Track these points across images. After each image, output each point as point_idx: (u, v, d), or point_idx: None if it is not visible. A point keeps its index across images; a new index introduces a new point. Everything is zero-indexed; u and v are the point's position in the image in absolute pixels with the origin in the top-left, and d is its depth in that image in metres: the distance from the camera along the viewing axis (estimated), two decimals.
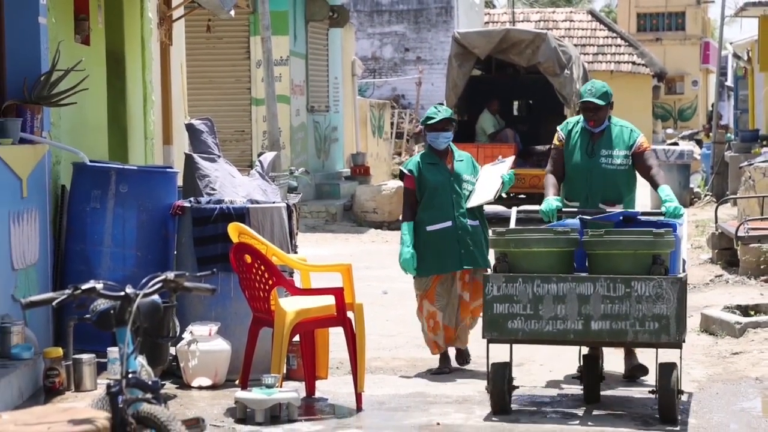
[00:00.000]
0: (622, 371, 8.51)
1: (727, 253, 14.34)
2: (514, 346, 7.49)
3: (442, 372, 8.72)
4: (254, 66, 21.06)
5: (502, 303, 7.27)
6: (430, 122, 8.73)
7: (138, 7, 11.51)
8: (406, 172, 8.76)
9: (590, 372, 7.73)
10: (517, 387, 7.65)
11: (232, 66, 21.24)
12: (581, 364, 8.00)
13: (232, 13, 14.04)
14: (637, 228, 7.50)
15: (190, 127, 9.44)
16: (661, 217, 7.91)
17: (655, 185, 8.23)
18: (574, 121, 8.46)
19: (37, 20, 8.36)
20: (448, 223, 8.64)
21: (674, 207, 7.97)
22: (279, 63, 20.75)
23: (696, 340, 9.84)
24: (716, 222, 14.93)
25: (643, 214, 7.95)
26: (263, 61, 19.18)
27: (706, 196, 23.26)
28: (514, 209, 8.42)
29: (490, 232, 7.71)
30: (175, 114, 13.59)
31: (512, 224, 8.12)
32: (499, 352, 7.54)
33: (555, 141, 8.46)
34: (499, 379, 7.37)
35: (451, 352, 8.95)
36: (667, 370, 7.20)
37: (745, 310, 10.77)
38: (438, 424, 7.31)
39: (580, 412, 7.54)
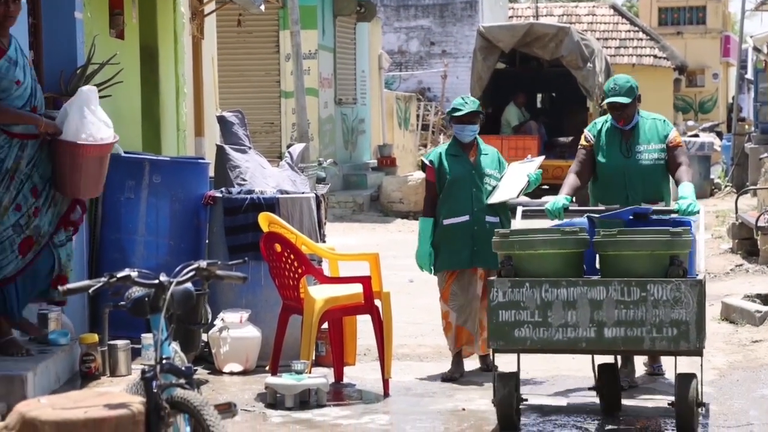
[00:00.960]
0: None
1: (747, 242, 14.28)
2: (521, 354, 6.90)
3: (451, 378, 8.08)
4: (283, 59, 21.06)
5: (508, 310, 6.62)
6: (456, 114, 8.22)
7: (171, 2, 11.52)
8: (427, 163, 8.32)
9: (608, 382, 7.16)
10: (526, 399, 7.02)
11: (262, 59, 21.25)
12: (596, 375, 7.25)
13: (263, 7, 14.04)
14: (651, 227, 6.91)
15: (221, 119, 9.46)
16: (675, 215, 7.32)
17: (678, 182, 7.67)
18: (602, 120, 7.90)
19: (74, 15, 8.39)
20: (465, 218, 8.09)
21: (688, 204, 7.32)
22: (308, 56, 20.74)
23: (717, 328, 9.80)
24: (736, 212, 14.86)
25: (655, 211, 7.33)
26: (292, 54, 19.15)
27: (726, 187, 23.14)
28: (520, 207, 7.77)
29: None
30: (207, 106, 13.61)
31: (518, 220, 7.63)
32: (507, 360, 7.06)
33: (582, 141, 7.88)
34: (506, 392, 6.74)
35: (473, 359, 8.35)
36: (686, 381, 6.60)
37: (765, 299, 10.71)
38: (463, 409, 7.30)
39: (593, 426, 6.97)
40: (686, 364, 6.93)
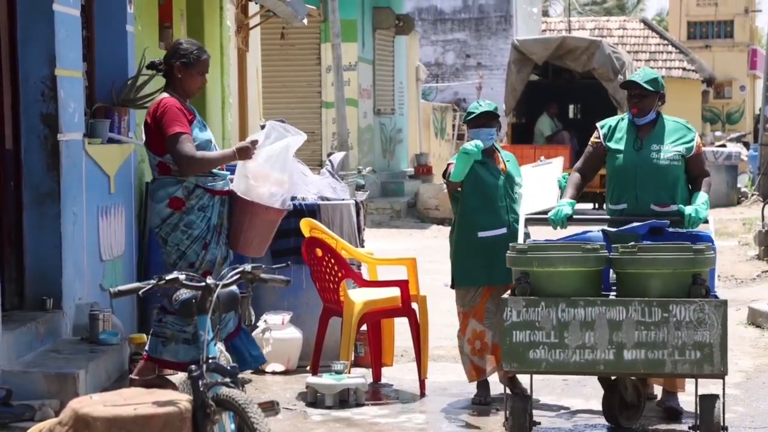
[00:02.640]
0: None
1: None
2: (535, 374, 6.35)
3: (483, 402, 7.37)
4: (324, 71, 21.10)
5: (522, 330, 6.10)
6: (470, 117, 7.39)
7: (217, 16, 11.58)
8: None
9: (613, 400, 6.73)
10: (539, 423, 6.55)
11: (304, 71, 21.29)
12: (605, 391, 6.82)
13: (305, 21, 14.08)
14: (669, 241, 6.35)
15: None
16: (692, 228, 6.69)
17: (695, 191, 6.95)
18: (616, 118, 7.18)
19: (125, 28, 8.44)
20: (503, 230, 7.20)
21: (694, 209, 6.70)
22: (348, 68, 20.77)
23: (743, 332, 9.73)
24: (763, 220, 14.76)
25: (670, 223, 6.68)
26: (333, 66, 19.22)
27: (753, 195, 22.97)
28: (523, 216, 7.11)
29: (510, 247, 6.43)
30: (251, 116, 13.65)
31: (521, 233, 6.99)
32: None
33: (593, 138, 7.15)
34: (519, 415, 6.25)
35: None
36: (709, 404, 6.12)
37: None
38: (497, 410, 7.27)
39: None
40: (703, 383, 6.48)
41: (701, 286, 6.05)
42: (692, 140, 6.99)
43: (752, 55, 46.97)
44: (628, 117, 7.08)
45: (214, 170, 6.54)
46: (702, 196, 6.85)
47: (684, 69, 39.34)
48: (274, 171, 6.71)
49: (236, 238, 6.72)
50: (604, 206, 7.32)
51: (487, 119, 7.36)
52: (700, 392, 6.27)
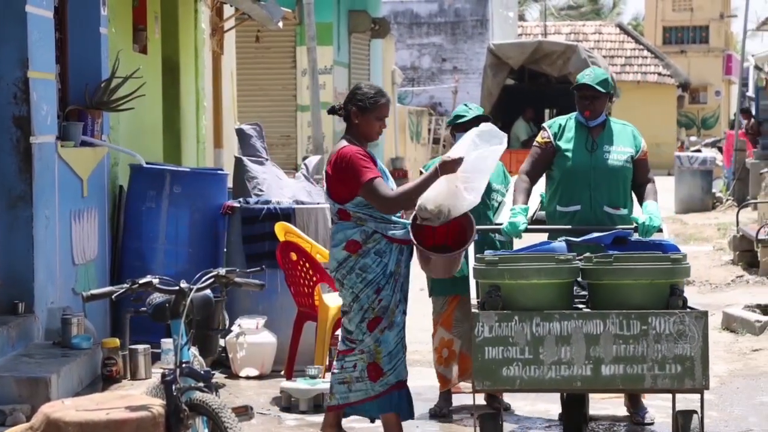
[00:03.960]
0: (606, 413, 7.21)
1: (747, 254, 14.26)
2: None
3: (439, 414, 7.21)
4: (300, 74, 21.09)
5: (495, 346, 5.80)
6: (460, 121, 7.22)
7: (192, 19, 11.56)
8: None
9: (573, 415, 6.61)
10: None
11: (279, 74, 21.28)
12: (563, 406, 6.74)
13: (280, 24, 14.07)
14: (638, 252, 6.13)
15: (240, 132, 9.48)
16: (661, 236, 6.59)
17: (643, 199, 6.80)
18: (564, 118, 6.99)
19: (99, 31, 8.42)
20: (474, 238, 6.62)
21: (648, 218, 6.53)
22: (323, 72, 20.78)
23: (718, 338, 9.79)
24: (737, 225, 14.84)
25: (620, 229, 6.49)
26: (308, 69, 19.19)
27: (727, 200, 23.10)
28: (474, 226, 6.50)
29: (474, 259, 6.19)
30: (226, 119, 13.63)
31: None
32: None
33: (538, 139, 6.93)
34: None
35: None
36: (687, 419, 5.94)
37: (765, 309, 10.70)
38: (472, 414, 7.27)
39: None
40: (680, 397, 6.39)
41: (679, 297, 5.87)
42: (640, 143, 6.91)
43: (727, 61, 47.26)
44: (576, 118, 6.93)
45: (394, 218, 6.27)
46: (653, 204, 6.72)
47: (659, 74, 39.53)
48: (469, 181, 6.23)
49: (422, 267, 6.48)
50: (545, 208, 7.06)
51: (477, 123, 6.93)
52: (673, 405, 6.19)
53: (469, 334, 6.72)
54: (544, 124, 7.04)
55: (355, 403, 6.40)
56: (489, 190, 7.06)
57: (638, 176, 6.87)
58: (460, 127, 7.21)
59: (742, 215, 15.96)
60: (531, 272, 5.87)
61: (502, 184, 7.25)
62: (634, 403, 7.04)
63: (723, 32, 47.76)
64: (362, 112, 6.29)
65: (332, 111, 6.49)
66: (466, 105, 7.40)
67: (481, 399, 6.76)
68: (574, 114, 6.97)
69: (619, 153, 6.82)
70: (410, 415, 6.44)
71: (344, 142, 6.34)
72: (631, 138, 6.91)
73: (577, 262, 5.99)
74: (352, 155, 6.21)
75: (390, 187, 6.29)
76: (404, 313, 6.40)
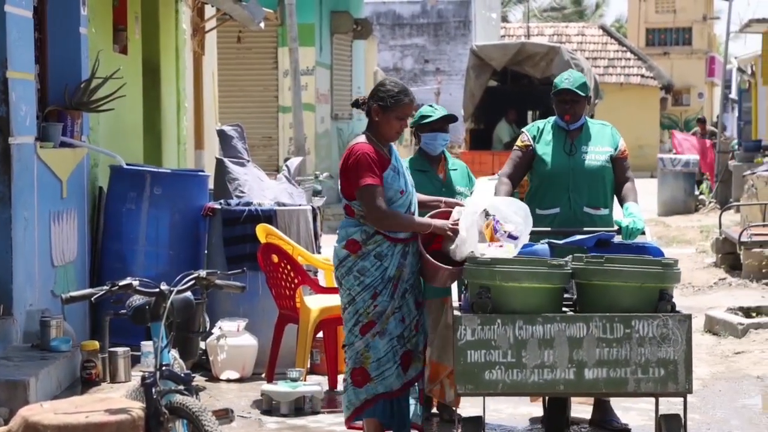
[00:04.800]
0: (587, 416, 7.15)
1: (730, 257, 14.32)
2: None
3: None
4: (281, 75, 21.08)
5: (477, 350, 5.75)
6: (425, 121, 7.06)
7: (173, 19, 11.54)
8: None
9: (555, 418, 6.61)
10: None
11: (260, 75, 21.27)
12: (545, 408, 6.74)
13: (262, 25, 14.06)
14: (617, 254, 6.14)
15: (221, 133, 9.46)
16: (644, 238, 6.60)
17: (623, 200, 6.83)
18: (543, 122, 7.01)
19: (78, 31, 8.39)
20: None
21: (631, 222, 6.52)
22: (305, 73, 20.77)
23: (700, 340, 9.82)
24: (720, 228, 14.89)
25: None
26: (290, 70, 19.21)
27: (710, 203, 23.19)
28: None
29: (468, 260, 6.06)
30: (207, 120, 13.61)
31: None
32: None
33: (518, 142, 6.96)
34: None
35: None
36: (670, 423, 5.92)
37: (747, 312, 10.76)
38: (451, 416, 7.27)
39: None
40: (663, 400, 6.37)
41: (668, 302, 5.82)
42: (618, 142, 6.92)
43: (710, 63, 47.45)
44: (554, 121, 6.96)
45: None
46: (635, 206, 6.73)
47: (642, 76, 39.66)
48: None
49: (424, 277, 6.35)
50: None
51: (444, 123, 7.09)
52: (655, 409, 6.15)
53: (435, 340, 6.86)
54: (524, 129, 7.05)
55: (348, 418, 6.29)
56: (453, 192, 7.02)
57: (618, 175, 6.89)
58: (425, 127, 7.11)
59: (725, 218, 16.03)
60: (522, 275, 5.82)
61: (466, 187, 7.17)
62: (603, 413, 7.01)
63: (706, 34, 47.95)
64: (383, 110, 6.17)
65: (356, 104, 6.42)
66: (431, 106, 7.26)
67: (466, 404, 6.70)
68: (553, 117, 6.98)
69: (597, 153, 6.86)
70: (401, 430, 6.26)
71: (361, 138, 6.24)
72: (610, 137, 6.93)
73: (569, 267, 5.95)
74: (361, 154, 6.11)
75: (402, 189, 6.16)
76: (402, 321, 6.21)
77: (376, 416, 6.22)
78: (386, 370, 6.18)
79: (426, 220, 6.24)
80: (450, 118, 7.07)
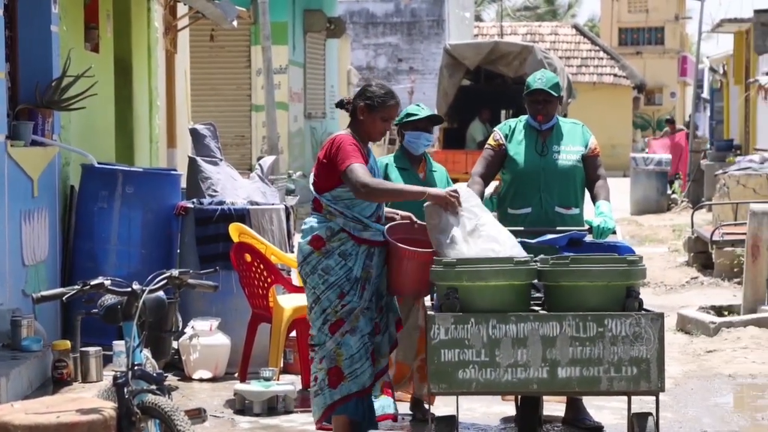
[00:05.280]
0: (560, 415, 7.13)
1: (702, 256, 14.39)
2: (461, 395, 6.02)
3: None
4: (255, 74, 21.05)
5: (451, 349, 5.77)
6: (411, 119, 7.07)
7: (145, 18, 11.50)
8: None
9: (528, 417, 6.60)
10: None
11: (233, 74, 21.22)
12: (518, 407, 6.76)
13: (235, 23, 14.03)
14: (589, 253, 6.19)
15: (193, 132, 9.44)
16: (615, 237, 6.59)
17: (595, 198, 6.84)
18: (514, 121, 7.00)
19: (50, 29, 8.36)
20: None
21: (602, 221, 6.55)
22: (278, 71, 20.73)
23: (673, 339, 9.85)
24: (692, 227, 14.97)
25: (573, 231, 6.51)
26: (263, 69, 19.18)
27: (682, 202, 23.30)
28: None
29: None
30: (179, 119, 13.58)
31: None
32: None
33: (491, 141, 6.95)
34: None
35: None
36: (642, 422, 5.93)
37: (719, 311, 10.81)
38: (425, 415, 7.27)
39: None
40: (635, 399, 6.29)
41: (635, 299, 5.86)
42: (589, 140, 6.93)
43: (682, 62, 47.71)
44: (526, 120, 6.95)
45: (365, 219, 6.16)
46: (606, 205, 6.75)
47: (615, 75, 39.81)
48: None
49: (390, 280, 6.29)
50: (496, 210, 7.04)
51: (429, 124, 7.12)
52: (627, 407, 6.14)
53: (403, 340, 6.79)
54: (496, 128, 7.04)
55: (319, 419, 6.27)
56: None
57: (589, 173, 6.91)
58: (409, 125, 7.11)
59: (697, 217, 16.12)
60: (489, 274, 5.84)
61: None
62: (575, 412, 7.02)
63: (678, 34, 48.21)
64: (369, 110, 6.26)
65: (340, 105, 6.46)
66: (418, 105, 7.27)
67: (439, 403, 6.70)
68: (524, 117, 6.98)
69: (569, 153, 6.87)
70: (370, 427, 6.27)
71: (343, 131, 6.32)
72: (581, 136, 6.94)
73: (535, 263, 5.97)
74: (344, 141, 6.17)
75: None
76: (372, 320, 6.22)
77: (348, 413, 6.23)
78: (359, 367, 6.18)
79: (418, 187, 6.31)
80: (435, 119, 7.13)
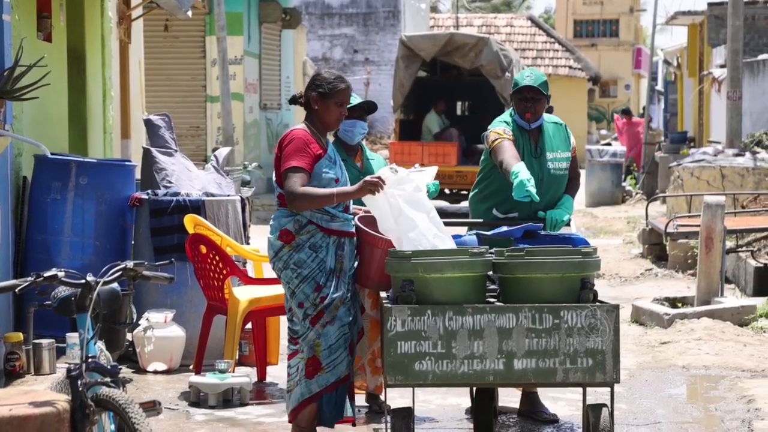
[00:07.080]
0: (515, 406, 7.20)
1: (656, 248, 14.51)
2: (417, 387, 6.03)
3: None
4: (209, 64, 20.95)
5: (407, 341, 5.77)
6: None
7: (98, 7, 11.41)
8: None
9: (483, 409, 6.61)
10: None
11: (188, 64, 21.12)
12: (473, 399, 6.77)
13: (189, 13, 13.96)
14: (544, 244, 6.26)
15: (148, 123, 9.39)
16: (569, 229, 6.68)
17: (567, 191, 6.94)
18: (506, 119, 6.90)
19: (1, 18, 8.27)
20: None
21: (556, 212, 6.64)
22: (233, 62, 20.66)
23: (627, 330, 9.93)
24: (647, 219, 15.09)
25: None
26: (218, 59, 19.11)
27: (637, 194, 23.47)
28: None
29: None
30: (134, 109, 13.49)
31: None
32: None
33: (503, 134, 6.75)
34: (401, 430, 5.98)
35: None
36: (597, 413, 5.95)
37: (673, 302, 10.92)
38: (380, 407, 7.28)
39: None
40: (590, 390, 6.42)
41: (590, 290, 5.89)
42: (572, 142, 6.95)
43: (637, 55, 48.03)
44: (515, 120, 6.86)
45: (331, 210, 6.12)
46: (569, 200, 6.81)
47: (570, 67, 40.02)
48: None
49: (358, 271, 6.29)
50: (471, 207, 7.07)
51: (362, 112, 7.07)
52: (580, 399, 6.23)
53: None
54: (497, 125, 6.85)
55: (295, 410, 6.19)
56: None
57: (570, 170, 6.93)
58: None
59: (651, 209, 16.25)
60: (445, 266, 5.84)
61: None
62: (531, 405, 7.05)
63: (633, 26, 48.53)
64: (322, 98, 6.24)
65: (293, 101, 6.43)
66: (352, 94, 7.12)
67: (395, 395, 6.68)
68: (507, 113, 6.90)
69: (560, 160, 6.86)
70: (331, 421, 6.25)
71: (298, 126, 6.30)
72: (566, 138, 6.92)
73: (491, 255, 5.99)
74: (296, 138, 6.16)
75: (337, 177, 6.16)
76: (350, 310, 6.20)
77: (320, 400, 6.19)
78: (337, 357, 6.17)
79: (343, 188, 6.16)
80: (367, 106, 7.07)
